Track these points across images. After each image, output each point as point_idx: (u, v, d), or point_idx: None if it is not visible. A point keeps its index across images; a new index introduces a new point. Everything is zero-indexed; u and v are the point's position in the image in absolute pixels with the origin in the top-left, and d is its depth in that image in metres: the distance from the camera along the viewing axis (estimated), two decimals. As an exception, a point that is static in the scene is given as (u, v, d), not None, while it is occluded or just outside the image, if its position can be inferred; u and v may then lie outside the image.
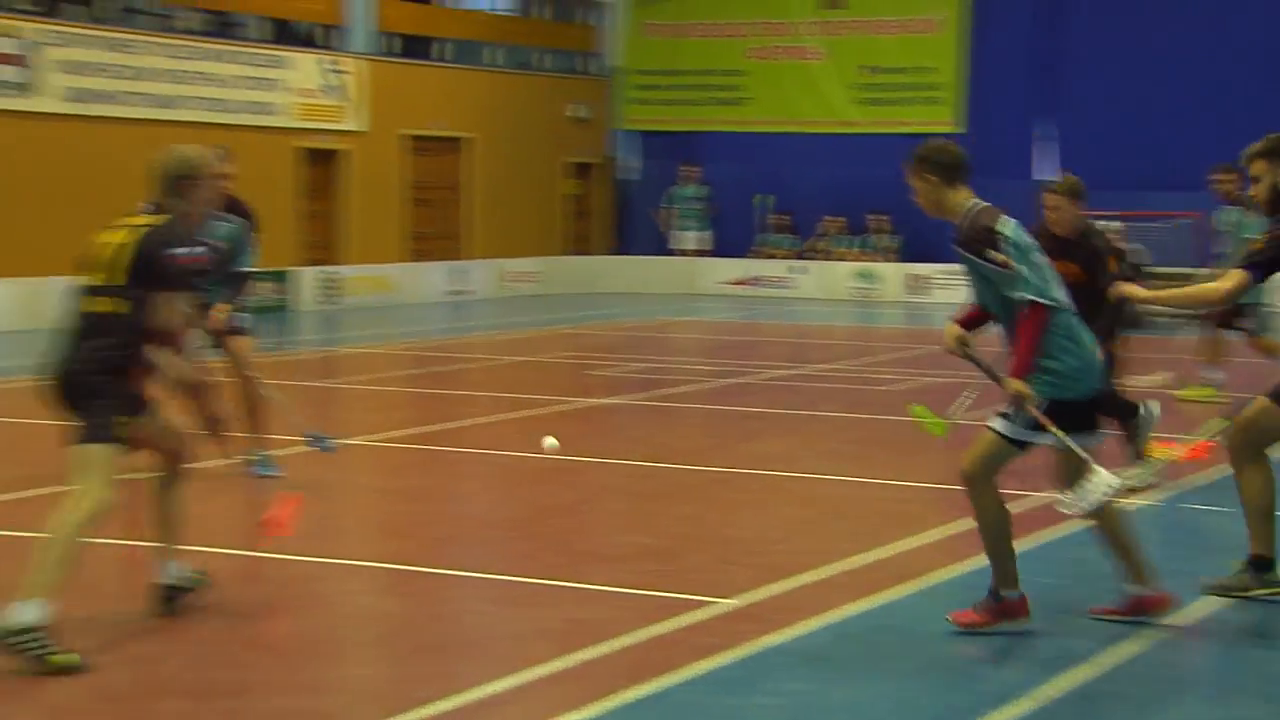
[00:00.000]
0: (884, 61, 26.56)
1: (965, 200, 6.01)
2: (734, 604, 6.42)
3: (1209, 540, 7.86)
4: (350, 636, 6.20)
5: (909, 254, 25.44)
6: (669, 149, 27.82)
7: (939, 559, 7.17)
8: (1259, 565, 6.46)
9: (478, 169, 25.63)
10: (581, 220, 28.07)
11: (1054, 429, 5.89)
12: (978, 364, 6.18)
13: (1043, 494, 7.65)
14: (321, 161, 23.08)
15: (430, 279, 24.36)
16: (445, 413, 12.56)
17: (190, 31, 21.57)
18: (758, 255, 26.94)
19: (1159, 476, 8.87)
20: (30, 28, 19.12)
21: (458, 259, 25.21)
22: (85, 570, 6.99)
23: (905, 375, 14.45)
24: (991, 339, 6.18)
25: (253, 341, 9.37)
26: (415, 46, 25.14)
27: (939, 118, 26.10)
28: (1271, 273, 6.38)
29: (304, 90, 22.59)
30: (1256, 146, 6.53)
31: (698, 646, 5.81)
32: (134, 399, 5.85)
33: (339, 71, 23.14)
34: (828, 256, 26.39)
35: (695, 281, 26.67)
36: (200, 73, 21.08)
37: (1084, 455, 5.92)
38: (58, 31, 19.47)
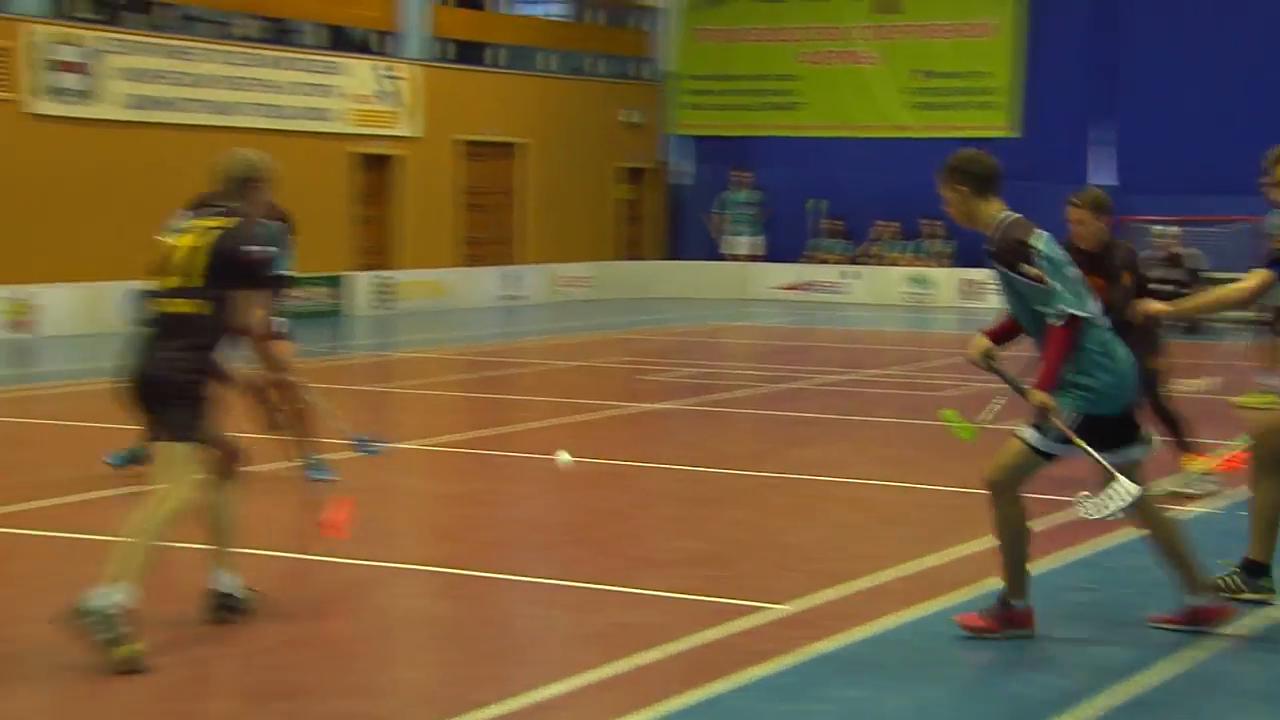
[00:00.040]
0: (938, 66, 26.44)
1: (997, 211, 5.96)
2: (787, 610, 6.41)
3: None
4: (404, 639, 6.22)
5: (962, 259, 25.30)
6: (721, 154, 27.81)
7: (992, 566, 7.10)
8: (1252, 570, 6.42)
9: (531, 174, 25.71)
10: (634, 225, 28.09)
11: (1079, 441, 5.84)
12: (1002, 376, 6.14)
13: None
14: (376, 167, 23.22)
15: (483, 284, 24.45)
16: (498, 417, 12.60)
17: (248, 38, 21.77)
18: (810, 260, 26.87)
19: (1217, 485, 8.78)
20: (92, 36, 19.36)
21: (510, 264, 25.29)
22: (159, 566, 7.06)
23: (958, 381, 14.38)
24: (1018, 349, 6.15)
25: (293, 346, 9.42)
26: (469, 52, 25.26)
27: (993, 122, 25.97)
28: None
29: (359, 96, 22.75)
30: (1277, 150, 6.49)
31: (750, 652, 5.80)
32: (211, 400, 5.94)
33: (393, 77, 23.28)
34: (880, 261, 26.29)
35: (747, 286, 26.63)
36: (257, 79, 21.27)
37: (1106, 465, 5.86)
38: (119, 40, 19.71)
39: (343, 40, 23.37)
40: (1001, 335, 6.12)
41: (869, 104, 26.83)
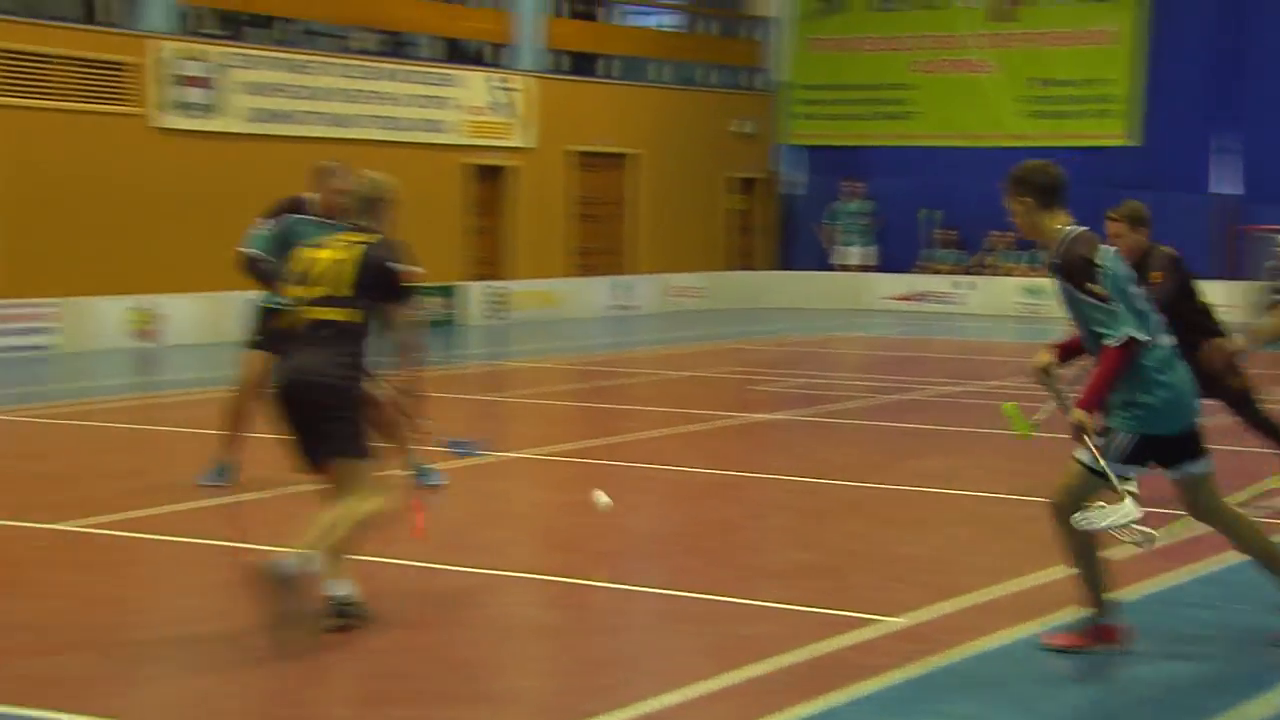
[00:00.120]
0: (1056, 74, 26.11)
1: (1062, 224, 5.87)
2: (900, 623, 6.37)
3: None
4: (516, 648, 6.27)
5: (1079, 269, 24.91)
6: (833, 164, 27.69)
7: (1115, 581, 7.01)
8: None
9: (642, 184, 25.80)
10: (745, 235, 28.07)
11: (1096, 452, 5.74)
12: (1054, 393, 6.04)
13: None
14: (489, 178, 23.45)
15: (594, 294, 24.57)
16: (609, 427, 12.66)
17: (365, 52, 22.11)
18: (923, 270, 26.66)
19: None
20: (216, 51, 19.79)
21: (621, 274, 25.39)
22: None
23: (1074, 392, 14.15)
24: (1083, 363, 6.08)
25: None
26: (582, 63, 25.42)
27: (1112, 130, 25.59)
28: None
29: (473, 108, 22.99)
30: None
31: (863, 665, 5.77)
32: (366, 407, 6.15)
33: (507, 89, 23.50)
34: (995, 271, 25.99)
35: (859, 297, 26.48)
36: (374, 92, 21.60)
37: (1117, 484, 5.75)
38: (242, 54, 20.12)
39: (458, 53, 23.64)
40: (1069, 350, 6.04)
41: (984, 113, 26.56)
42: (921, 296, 26.21)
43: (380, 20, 22.53)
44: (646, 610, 6.82)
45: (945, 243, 26.68)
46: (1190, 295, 8.22)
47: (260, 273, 9.08)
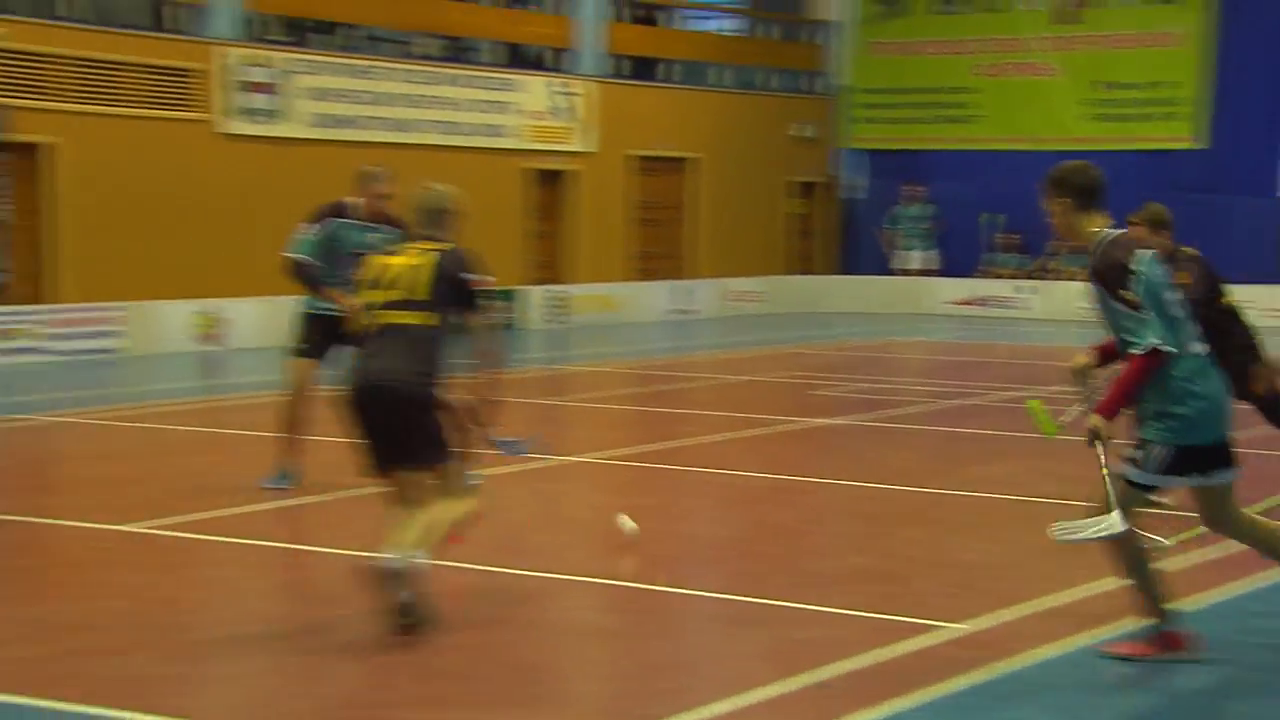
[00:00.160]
0: (1121, 76, 25.86)
1: (1099, 227, 5.80)
2: (964, 629, 6.33)
3: None
4: (576, 652, 6.29)
5: (1144, 274, 24.68)
6: (894, 168, 27.57)
7: (1177, 587, 6.94)
8: None
9: (703, 189, 25.80)
10: (805, 240, 28.00)
11: (1105, 468, 5.68)
12: (1086, 395, 5.99)
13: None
14: (550, 182, 23.52)
15: (654, 298, 24.59)
16: (669, 431, 12.66)
17: (427, 57, 22.25)
18: (984, 275, 26.48)
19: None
20: (281, 57, 19.98)
21: (681, 278, 25.40)
22: (327, 576, 7.26)
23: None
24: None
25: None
26: (642, 68, 25.46)
27: (1178, 133, 25.32)
28: None
29: (534, 112, 23.07)
30: None
31: (924, 672, 5.74)
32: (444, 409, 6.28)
33: (568, 93, 23.57)
34: (1057, 276, 25.78)
35: (920, 301, 26.34)
36: (435, 97, 21.72)
37: (1112, 498, 5.68)
38: (307, 60, 20.30)
39: (519, 58, 23.74)
40: (1109, 354, 5.96)
41: (1047, 116, 26.35)
42: (983, 301, 26.04)
43: (442, 26, 22.66)
44: (705, 615, 6.81)
45: (1007, 247, 26.49)
46: (1218, 297, 8.14)
47: (307, 277, 9.17)
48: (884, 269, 27.25)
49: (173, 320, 18.49)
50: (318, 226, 9.25)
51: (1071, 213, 5.83)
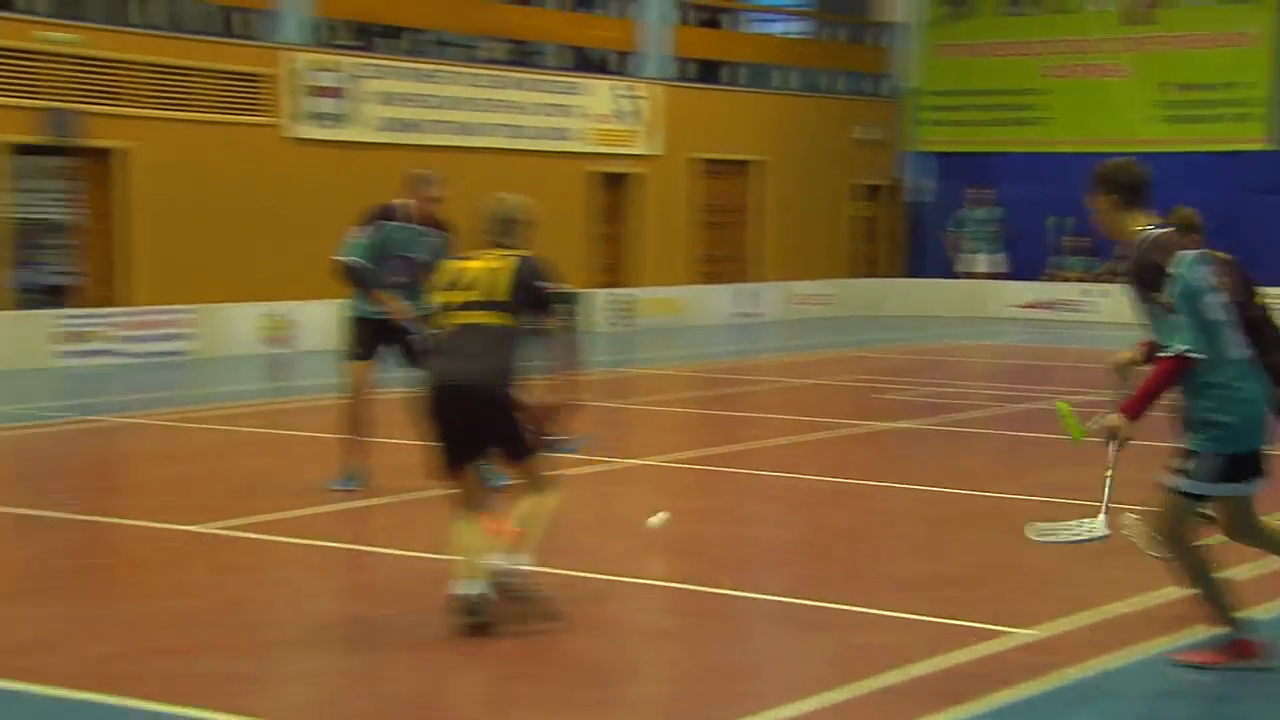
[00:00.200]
0: (1192, 77, 25.54)
1: (1141, 226, 5.73)
2: (1032, 635, 6.27)
3: None
4: (642, 655, 6.28)
5: (1215, 276, 24.35)
6: (961, 170, 27.38)
7: (1249, 596, 6.83)
8: None
9: (768, 191, 25.74)
10: (870, 242, 27.88)
11: (1108, 471, 5.65)
12: (1123, 392, 5.93)
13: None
14: (614, 185, 23.55)
15: (718, 301, 24.56)
16: (733, 434, 12.63)
17: (493, 61, 22.34)
18: (1052, 278, 26.24)
19: None
20: (349, 61, 20.13)
21: (744, 281, 25.35)
22: (392, 577, 7.30)
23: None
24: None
25: None
26: (708, 71, 25.44)
27: (1251, 134, 24.97)
28: None
29: (599, 116, 23.11)
30: None
31: (993, 678, 5.69)
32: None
33: (633, 97, 23.59)
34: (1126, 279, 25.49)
35: (987, 304, 26.14)
36: (500, 100, 21.81)
37: (1106, 500, 5.66)
38: (374, 65, 20.45)
39: (584, 61, 23.79)
40: (1151, 354, 5.89)
41: (1116, 118, 26.07)
42: (1050, 304, 25.80)
43: (507, 29, 22.76)
44: (770, 618, 6.79)
45: (1075, 250, 26.23)
46: (1251, 298, 8.05)
47: (359, 280, 9.23)
48: (951, 272, 27.07)
49: (241, 323, 18.67)
50: (369, 229, 9.32)
51: (1116, 210, 5.79)
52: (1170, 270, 5.60)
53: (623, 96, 23.48)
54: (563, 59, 23.45)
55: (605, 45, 24.06)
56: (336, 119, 19.92)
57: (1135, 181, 5.79)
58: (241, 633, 6.33)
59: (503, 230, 6.55)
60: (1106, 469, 5.70)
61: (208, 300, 18.43)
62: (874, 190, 27.76)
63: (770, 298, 25.31)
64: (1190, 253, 5.70)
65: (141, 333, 17.68)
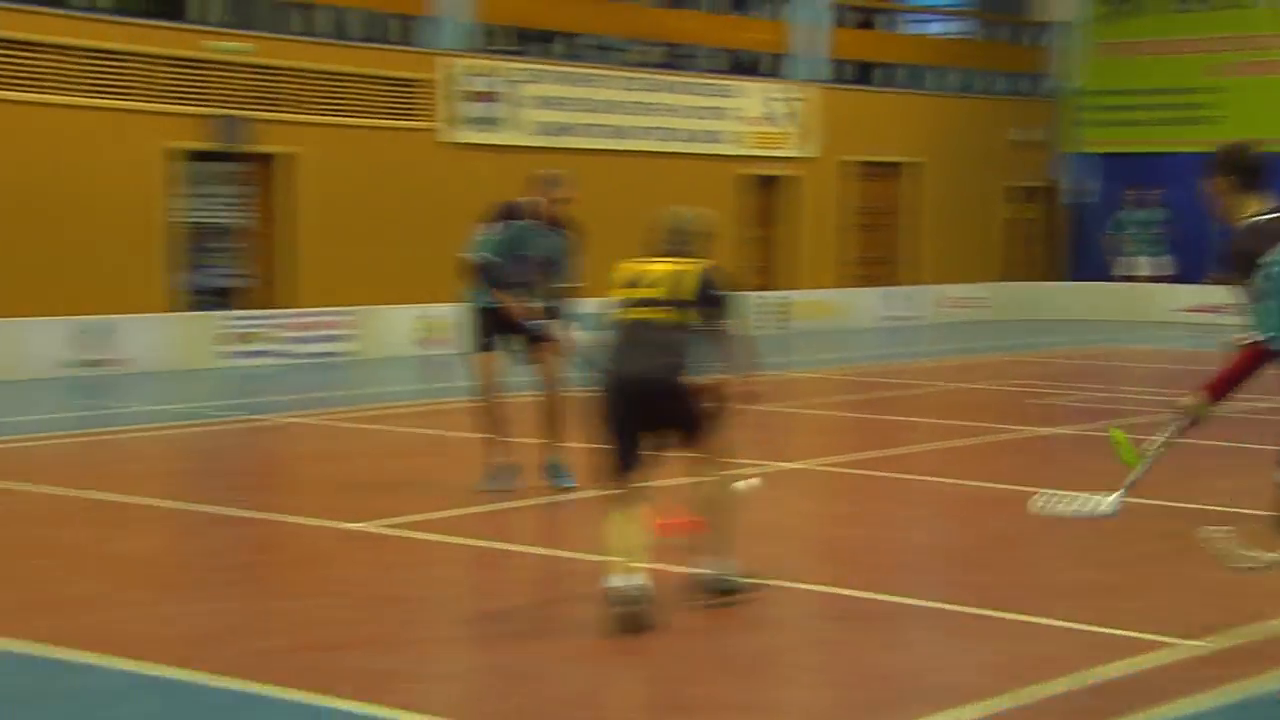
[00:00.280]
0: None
1: (1250, 211, 5.59)
2: (1199, 646, 6.09)
3: None
4: (799, 659, 6.24)
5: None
6: (1127, 171, 26.75)
7: None
8: None
9: (924, 194, 25.45)
10: (1027, 245, 27.39)
11: (1166, 438, 5.63)
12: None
13: None
14: (766, 188, 23.47)
15: (871, 304, 24.34)
16: (887, 438, 12.50)
17: (646, 64, 22.42)
18: (1214, 281, 25.53)
19: None
20: (505, 66, 20.37)
21: (897, 284, 25.09)
22: (547, 577, 7.35)
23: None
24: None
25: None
26: (864, 72, 25.24)
27: None
28: None
29: (752, 118, 23.06)
30: None
31: (1158, 690, 5.54)
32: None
33: (786, 99, 23.49)
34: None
35: (1150, 308, 25.51)
36: (653, 103, 21.88)
37: (1133, 478, 5.69)
38: (530, 69, 20.66)
39: (737, 64, 23.75)
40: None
41: (1288, 116, 25.24)
42: (1215, 308, 25.08)
43: (661, 33, 22.82)
44: (928, 624, 6.70)
45: (1242, 253, 25.48)
46: None
47: (492, 278, 9.29)
48: (1113, 275, 26.48)
49: (398, 325, 18.99)
50: (499, 227, 9.39)
51: (1233, 192, 5.68)
52: (1262, 259, 5.45)
53: (775, 99, 23.40)
54: (715, 62, 23.44)
55: (758, 48, 23.99)
56: (492, 123, 20.16)
57: (1253, 164, 5.70)
58: (397, 629, 6.41)
59: (679, 240, 6.75)
60: (1159, 444, 5.56)
61: (367, 302, 18.78)
62: (1031, 192, 27.27)
63: (922, 301, 25.00)
64: None
65: (303, 334, 18.08)
